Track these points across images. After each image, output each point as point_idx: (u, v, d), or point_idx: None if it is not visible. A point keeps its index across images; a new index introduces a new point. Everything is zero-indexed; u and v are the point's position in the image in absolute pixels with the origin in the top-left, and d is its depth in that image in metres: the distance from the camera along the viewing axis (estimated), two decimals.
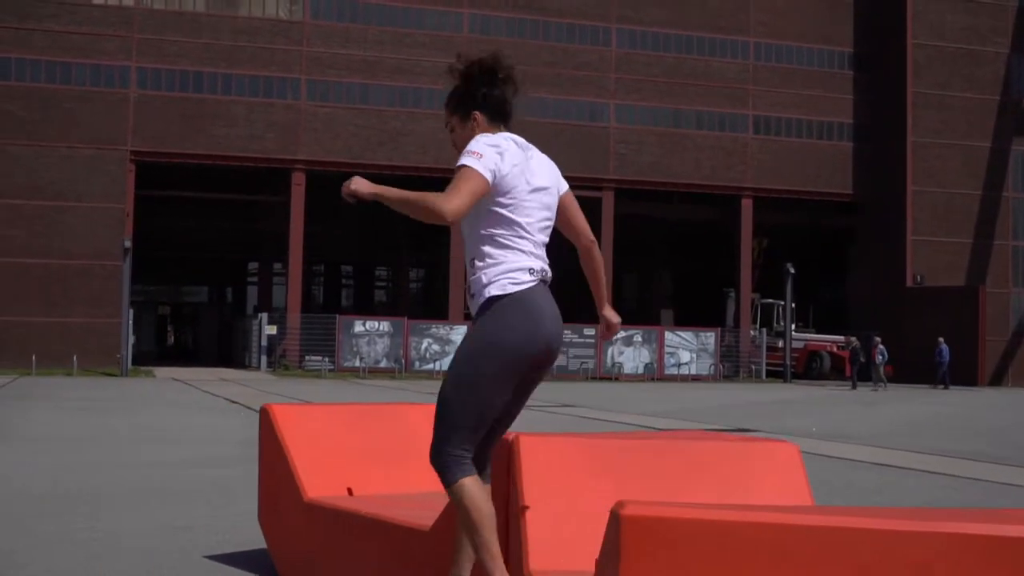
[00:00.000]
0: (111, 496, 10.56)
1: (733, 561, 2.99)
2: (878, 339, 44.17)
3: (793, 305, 52.79)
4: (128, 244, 43.11)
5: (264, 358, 46.36)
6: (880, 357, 43.10)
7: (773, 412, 26.27)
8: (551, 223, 4.56)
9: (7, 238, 44.49)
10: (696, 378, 49.11)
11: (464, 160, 4.23)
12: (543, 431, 7.45)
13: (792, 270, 49.77)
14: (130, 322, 43.95)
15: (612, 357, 48.61)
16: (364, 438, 7.35)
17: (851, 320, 53.81)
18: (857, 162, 54.42)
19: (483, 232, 4.34)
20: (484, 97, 4.51)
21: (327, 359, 44.97)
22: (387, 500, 6.58)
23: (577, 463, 5.25)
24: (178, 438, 17.01)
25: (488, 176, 4.23)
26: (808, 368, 52.27)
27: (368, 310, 61.11)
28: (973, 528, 2.87)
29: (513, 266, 4.34)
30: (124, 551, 7.89)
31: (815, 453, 15.45)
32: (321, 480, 6.88)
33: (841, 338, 50.87)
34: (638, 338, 49.37)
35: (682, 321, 54.79)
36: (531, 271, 4.34)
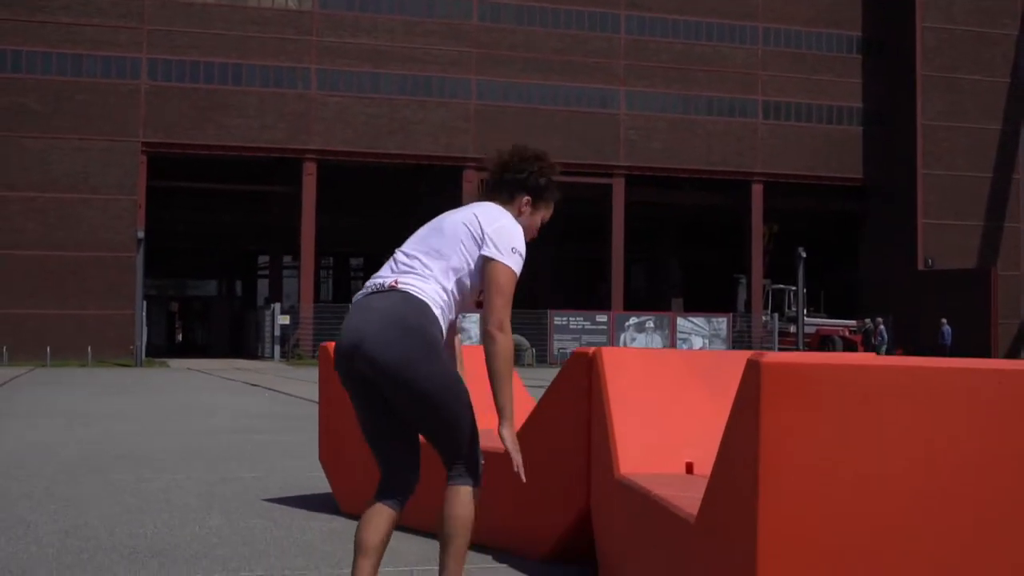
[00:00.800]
0: (162, 457, 10.65)
1: (863, 400, 3.07)
2: (879, 320, 44.12)
3: (804, 290, 52.72)
4: (141, 235, 43.17)
5: (277, 348, 46.39)
6: (879, 339, 43.01)
7: None
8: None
9: (22, 231, 44.55)
10: None
11: (512, 264, 4.17)
12: None
13: (804, 254, 49.68)
14: (144, 313, 44.00)
15: (624, 343, 48.59)
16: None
17: (862, 304, 53.73)
18: (867, 146, 54.39)
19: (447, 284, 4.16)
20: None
21: None
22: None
23: (659, 373, 5.31)
24: (212, 412, 17.10)
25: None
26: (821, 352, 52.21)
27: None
28: None
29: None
30: (181, 498, 7.96)
31: None
32: None
33: (853, 322, 50.81)
34: (650, 324, 49.37)
35: (693, 308, 54.71)
36: (371, 284, 4.20)
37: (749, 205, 53.23)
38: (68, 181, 44.98)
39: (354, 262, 73.84)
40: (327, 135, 47.49)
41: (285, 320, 46.48)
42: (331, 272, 74.54)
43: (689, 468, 4.82)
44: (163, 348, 61.66)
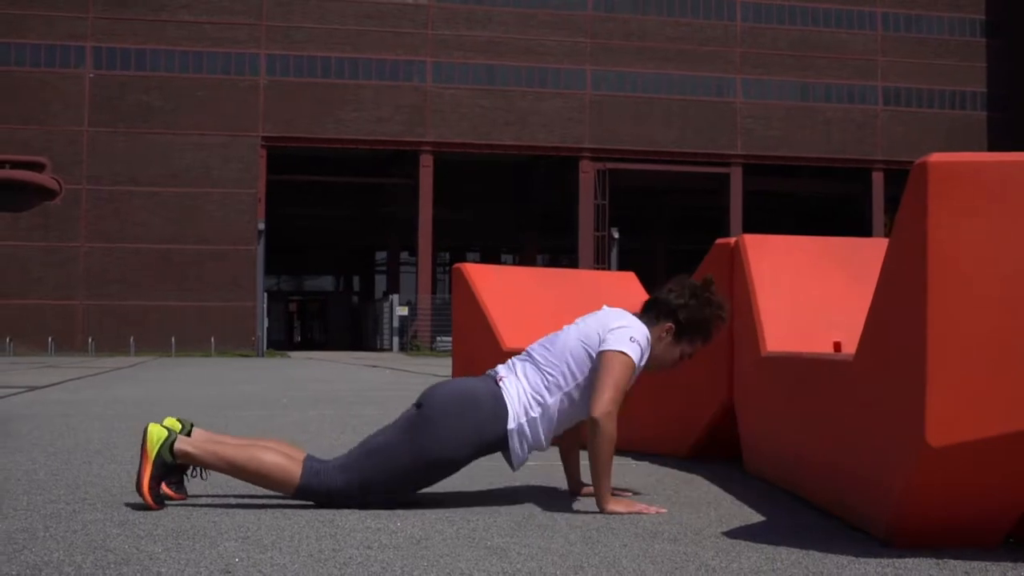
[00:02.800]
0: (288, 404, 10.74)
1: None
2: None
3: None
4: (262, 227, 43.83)
5: (396, 339, 46.78)
6: None
7: None
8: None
9: (145, 225, 45.53)
10: None
11: (627, 348, 4.06)
12: None
13: None
14: (264, 304, 44.66)
15: None
16: (557, 295, 7.34)
17: None
18: (992, 131, 53.09)
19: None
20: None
21: None
22: None
23: (800, 259, 5.18)
24: (334, 381, 17.27)
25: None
26: None
27: None
28: None
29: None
30: (318, 424, 8.01)
31: None
32: (519, 333, 6.85)
33: None
34: None
35: None
36: None
37: (870, 193, 52.31)
38: (189, 176, 45.87)
39: (470, 256, 74.15)
40: (443, 127, 47.75)
41: (404, 311, 46.86)
42: (447, 268, 74.91)
43: (837, 347, 4.68)
44: (282, 343, 62.58)
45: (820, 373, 4.00)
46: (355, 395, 12.38)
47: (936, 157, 2.99)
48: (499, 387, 4.08)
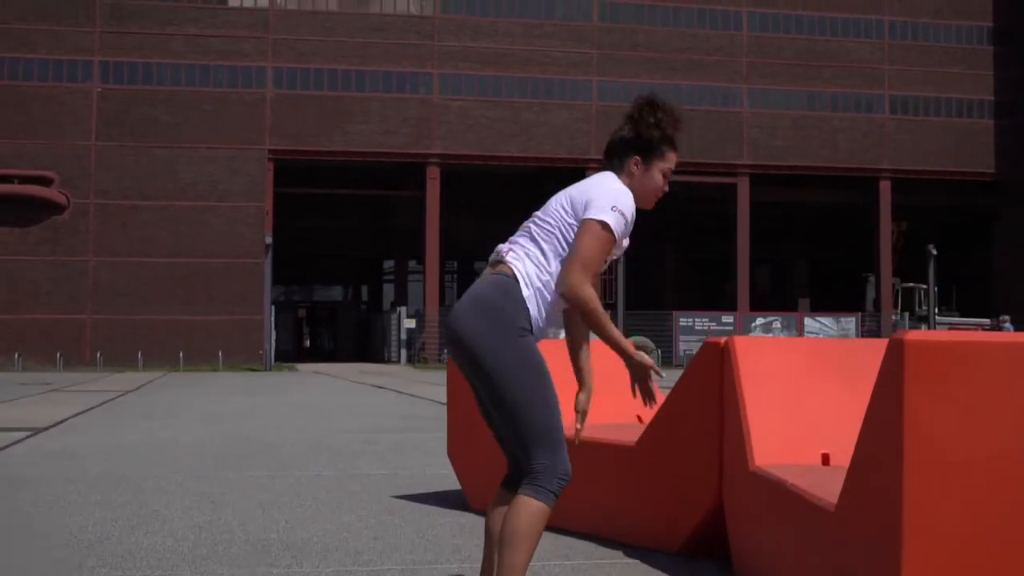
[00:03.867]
0: (291, 453, 10.76)
1: (1006, 376, 3.00)
2: (1005, 318, 42.86)
3: (936, 288, 51.58)
4: (269, 240, 43.91)
5: (404, 352, 46.84)
6: None
7: None
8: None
9: (153, 239, 45.64)
10: None
11: (612, 221, 3.98)
12: None
13: (935, 252, 48.58)
14: (272, 318, 44.73)
15: None
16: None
17: (997, 302, 52.33)
18: (1000, 140, 53.03)
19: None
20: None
21: None
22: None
23: (794, 363, 5.18)
24: (333, 412, 17.27)
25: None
26: None
27: None
28: None
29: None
30: (312, 493, 8.02)
31: None
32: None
33: (987, 321, 49.52)
34: (777, 324, 48.80)
35: (820, 308, 53.94)
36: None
37: (877, 202, 52.26)
38: (197, 189, 45.99)
39: (478, 265, 74.19)
40: (449, 139, 47.81)
41: (411, 324, 46.93)
42: (455, 276, 74.97)
43: (825, 460, 4.68)
44: (291, 353, 62.66)
45: (801, 508, 4.02)
46: (360, 439, 12.39)
47: (912, 336, 3.01)
48: (501, 274, 3.97)
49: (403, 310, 48.02)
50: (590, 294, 3.89)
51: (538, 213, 4.11)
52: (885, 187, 52.19)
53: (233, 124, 46.31)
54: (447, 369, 7.52)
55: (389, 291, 66.24)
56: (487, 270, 4.05)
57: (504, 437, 3.97)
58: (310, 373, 39.25)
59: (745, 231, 50.61)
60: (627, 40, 49.88)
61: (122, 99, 45.80)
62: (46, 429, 13.47)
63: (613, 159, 4.18)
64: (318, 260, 67.58)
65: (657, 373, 4.02)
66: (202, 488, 8.13)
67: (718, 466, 5.23)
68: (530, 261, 3.97)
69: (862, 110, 52.18)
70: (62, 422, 14.57)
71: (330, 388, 26.53)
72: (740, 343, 5.19)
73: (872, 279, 52.87)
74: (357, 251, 65.12)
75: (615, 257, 4.18)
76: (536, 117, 48.78)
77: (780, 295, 60.39)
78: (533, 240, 4.02)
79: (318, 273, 70.29)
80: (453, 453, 7.52)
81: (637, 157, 4.12)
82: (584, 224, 3.93)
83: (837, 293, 57.47)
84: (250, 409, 17.95)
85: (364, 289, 72.87)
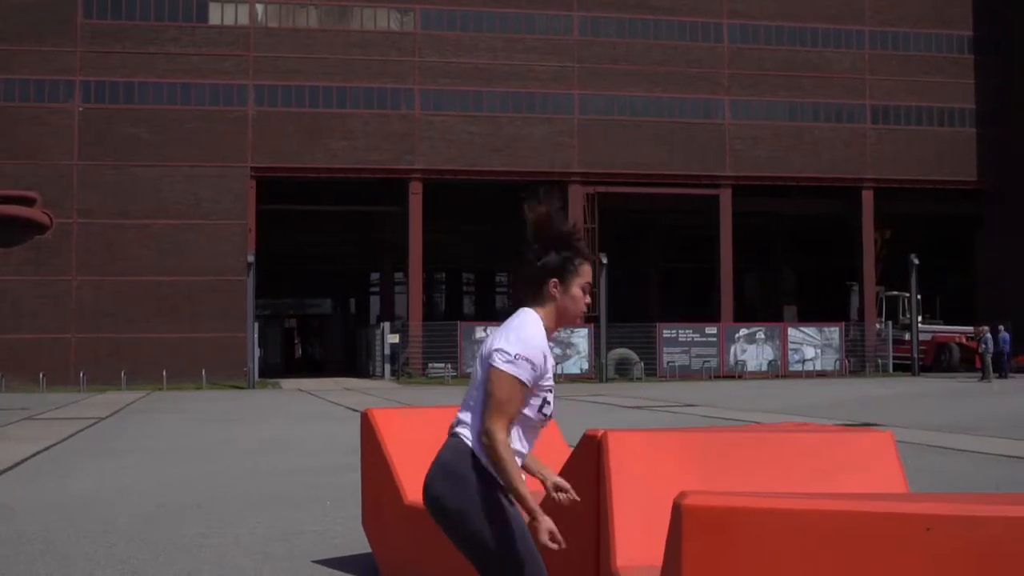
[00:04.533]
0: (235, 505, 10.82)
1: (794, 549, 3.01)
2: (984, 328, 42.93)
3: (919, 297, 51.73)
4: (251, 259, 43.94)
5: (387, 367, 46.89)
6: (983, 346, 41.76)
7: (893, 406, 25.84)
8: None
9: (137, 258, 45.70)
10: (821, 374, 48.41)
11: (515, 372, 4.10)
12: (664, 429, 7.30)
13: (916, 261, 48.75)
14: (255, 335, 44.76)
15: (735, 355, 48.18)
16: None
17: (981, 310, 52.44)
18: (982, 148, 53.12)
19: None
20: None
21: (450, 366, 45.28)
22: None
23: (666, 457, 5.26)
24: (295, 447, 17.31)
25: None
26: (937, 360, 51.13)
27: (492, 316, 61.27)
28: None
29: None
30: (233, 558, 8.08)
31: (934, 445, 15.21)
32: (420, 483, 6.93)
33: (970, 329, 49.63)
34: (761, 335, 48.85)
35: (806, 317, 54.07)
36: None
37: (860, 212, 52.32)
38: (180, 208, 46.04)
39: (465, 276, 74.27)
40: (432, 154, 47.87)
41: (394, 339, 46.96)
42: (444, 287, 75.05)
43: None
44: (280, 366, 62.67)
45: None
46: (310, 482, 12.43)
47: (690, 500, 3.08)
48: (457, 438, 4.14)
49: (387, 325, 48.02)
50: (499, 441, 3.98)
51: (473, 378, 4.25)
52: (867, 197, 52.27)
53: (215, 142, 46.38)
54: (362, 438, 7.59)
55: (377, 303, 66.33)
56: (449, 437, 4.22)
57: None
58: (293, 391, 39.29)
59: (728, 242, 50.68)
60: (608, 53, 49.96)
61: (104, 118, 45.86)
62: None
63: (531, 285, 4.28)
64: (307, 273, 67.67)
65: (555, 542, 4.07)
66: (130, 553, 8.22)
67: (595, 565, 5.31)
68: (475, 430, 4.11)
69: (843, 120, 52.27)
70: (14, 466, 14.59)
71: (303, 414, 26.57)
72: (613, 438, 5.27)
73: (856, 288, 52.97)
74: (343, 264, 65.25)
75: (544, 403, 4.21)
76: (518, 131, 48.85)
77: (767, 304, 60.52)
78: (473, 410, 4.14)
79: (307, 286, 70.33)
80: (367, 525, 7.60)
81: (554, 280, 4.24)
82: (491, 373, 4.05)
83: (824, 302, 57.57)
84: (213, 444, 18.01)
85: (352, 302, 72.96)
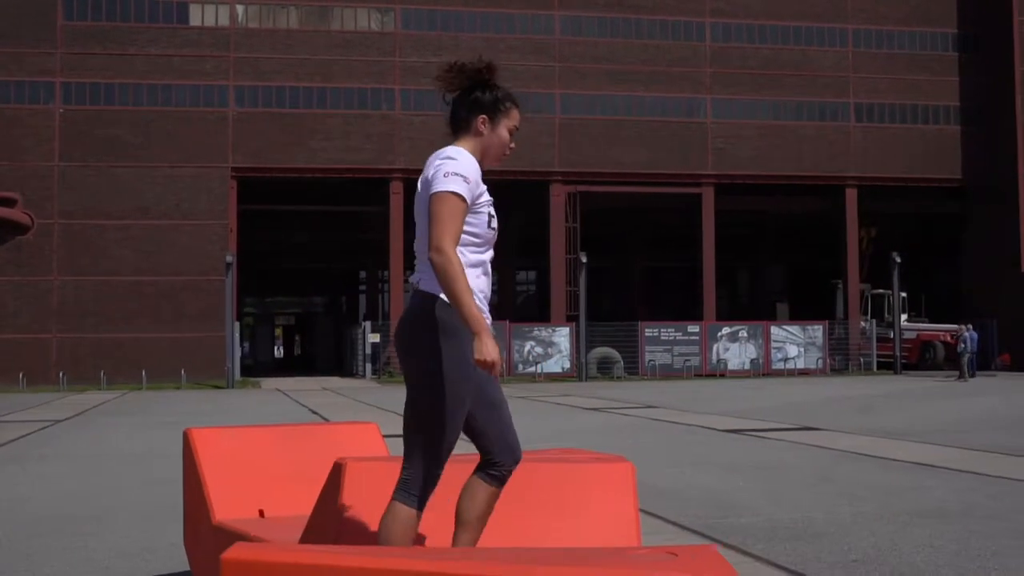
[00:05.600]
0: (121, 516, 10.80)
1: None
2: (966, 326, 42.79)
3: (904, 295, 51.69)
4: (230, 259, 44.04)
5: (369, 366, 46.99)
6: (962, 345, 41.58)
7: (850, 408, 25.83)
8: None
9: (118, 258, 45.84)
10: (804, 372, 48.41)
11: (452, 186, 4.31)
12: (602, 433, 7.27)
13: (898, 259, 48.72)
14: (236, 335, 44.88)
15: (717, 354, 48.18)
16: (284, 459, 7.44)
17: (966, 308, 52.32)
18: (966, 146, 53.01)
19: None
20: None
21: None
22: (293, 521, 6.64)
23: (249, 446, 5.46)
24: None
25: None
26: (922, 359, 51.12)
27: None
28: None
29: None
30: (71, 574, 8.09)
31: (858, 452, 15.25)
32: (233, 502, 6.97)
33: (955, 327, 49.57)
34: (743, 334, 48.85)
35: (797, 315, 54.08)
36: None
37: (844, 210, 52.24)
38: (161, 208, 46.18)
39: None
40: (412, 154, 47.88)
41: (375, 338, 47.05)
42: None
43: (261, 513, 4.87)
44: (268, 364, 62.87)
45: None
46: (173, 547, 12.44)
47: (228, 554, 3.12)
48: (418, 291, 4.36)
49: (368, 324, 48.13)
50: (448, 256, 4.15)
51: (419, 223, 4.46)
52: (851, 195, 52.19)
53: (196, 143, 46.49)
54: (184, 454, 7.61)
55: (364, 302, 66.50)
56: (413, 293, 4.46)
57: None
58: (271, 390, 39.36)
59: (711, 241, 50.66)
60: (589, 52, 49.96)
61: (84, 120, 46.01)
62: None
63: (459, 123, 4.59)
64: (299, 273, 67.84)
65: (487, 368, 4.19)
66: None
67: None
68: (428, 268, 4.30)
69: (827, 118, 52.20)
70: None
71: (263, 415, 26.58)
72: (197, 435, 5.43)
73: (841, 286, 52.94)
74: (333, 264, 65.36)
75: (490, 217, 4.43)
76: None
77: (757, 303, 60.53)
78: (422, 253, 4.37)
79: (299, 285, 70.56)
80: (187, 544, 7.62)
81: (484, 116, 4.47)
82: (432, 199, 4.28)
83: (813, 300, 57.52)
84: (144, 451, 18.04)
85: (344, 301, 73.10)
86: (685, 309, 55.50)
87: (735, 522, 9.27)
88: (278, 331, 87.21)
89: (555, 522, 5.10)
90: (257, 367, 59.67)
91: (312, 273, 68.30)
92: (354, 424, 7.88)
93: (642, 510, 6.47)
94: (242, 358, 49.11)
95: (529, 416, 22.96)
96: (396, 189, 47.80)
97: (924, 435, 17.95)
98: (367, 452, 6.86)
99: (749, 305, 61.39)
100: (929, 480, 12.46)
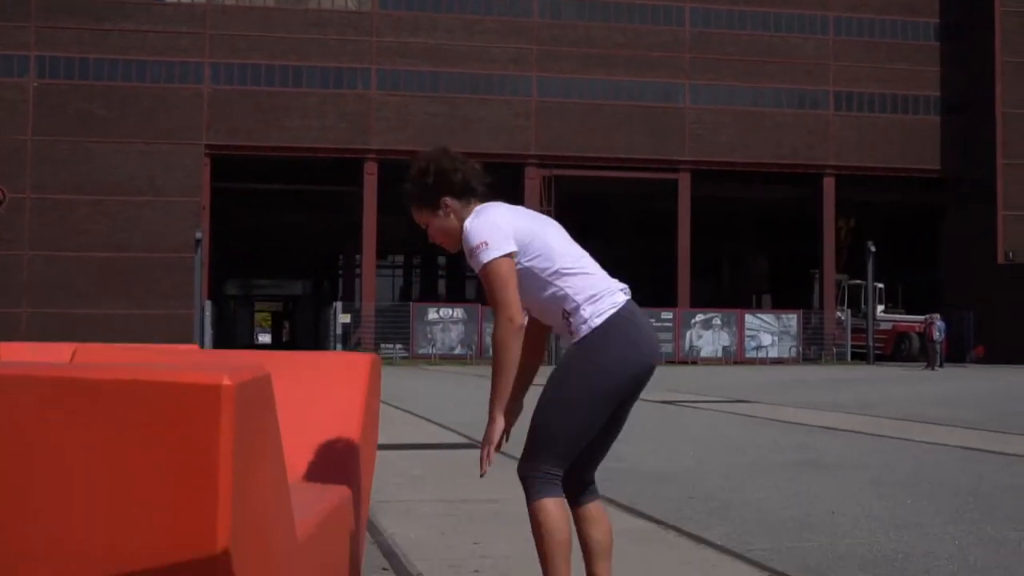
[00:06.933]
0: None
1: None
2: (935, 316, 42.66)
3: (881, 285, 51.58)
4: (199, 236, 43.94)
5: (339, 346, 46.91)
6: (938, 333, 41.45)
7: (796, 389, 25.79)
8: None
9: (90, 233, 45.75)
10: (777, 361, 48.31)
11: (481, 259, 4.00)
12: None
13: (873, 248, 48.60)
14: (206, 313, 44.81)
15: (690, 341, 48.08)
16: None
17: (943, 300, 52.14)
18: (945, 136, 52.82)
19: (552, 287, 4.14)
20: (448, 182, 4.22)
21: (400, 347, 45.30)
22: None
23: None
24: None
25: (509, 251, 4.04)
26: (897, 350, 50.99)
27: (459, 297, 61.22)
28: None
29: (602, 290, 4.16)
30: None
31: (770, 419, 15.20)
32: None
33: (923, 318, 49.41)
34: (717, 321, 48.74)
35: (778, 305, 53.99)
36: (622, 290, 4.24)
37: (821, 199, 52.10)
38: (133, 184, 46.07)
39: (443, 259, 74.15)
40: (387, 135, 47.78)
41: (346, 319, 46.97)
42: (419, 271, 74.92)
43: None
44: (250, 346, 62.73)
45: None
46: None
47: None
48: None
49: (338, 305, 48.04)
50: (502, 340, 3.96)
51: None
52: (829, 184, 52.04)
53: (170, 119, 46.36)
54: None
55: (347, 285, 66.39)
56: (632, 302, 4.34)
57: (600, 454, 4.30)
58: None
59: (686, 227, 50.56)
60: (567, 36, 49.81)
61: (58, 94, 45.89)
62: None
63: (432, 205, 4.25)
64: (281, 254, 67.71)
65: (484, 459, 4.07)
66: None
67: None
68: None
69: (806, 106, 52.03)
70: None
71: None
72: None
73: (818, 275, 52.83)
74: (314, 246, 65.26)
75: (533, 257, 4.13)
76: (475, 113, 48.74)
77: (741, 291, 60.43)
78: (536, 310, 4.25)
79: (277, 267, 70.46)
80: None
81: (448, 200, 4.20)
82: (481, 275, 4.03)
83: (793, 289, 57.40)
84: None
85: (326, 284, 73.03)
86: (664, 299, 55.40)
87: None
88: (263, 317, 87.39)
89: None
90: (238, 348, 59.52)
91: (296, 256, 68.17)
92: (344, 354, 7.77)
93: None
94: (217, 340, 48.99)
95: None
96: (371, 170, 47.68)
97: (845, 407, 17.89)
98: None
99: (732, 297, 61.27)
100: (818, 440, 12.42)
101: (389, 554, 5.85)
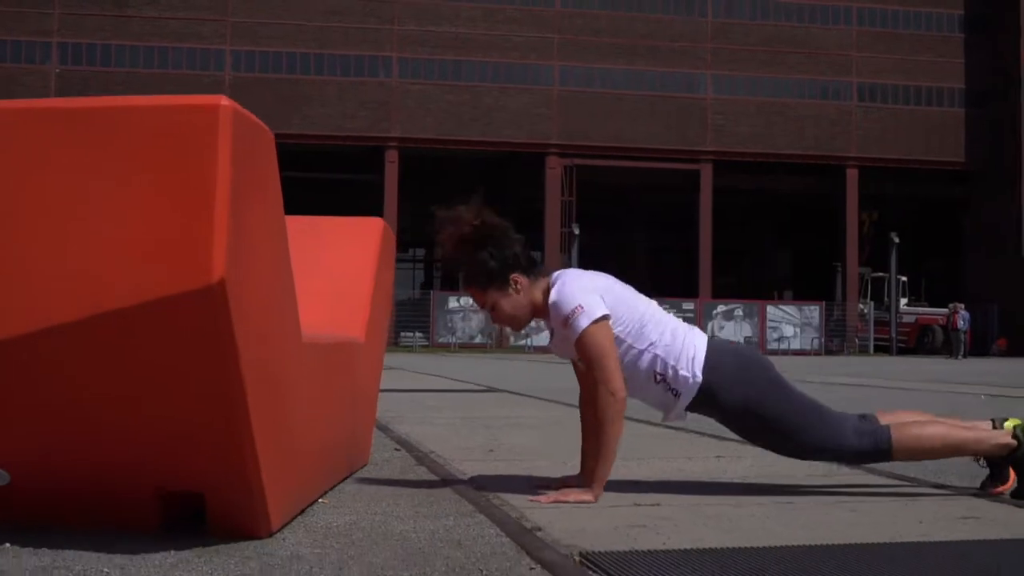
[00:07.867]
0: None
1: None
2: (960, 305, 42.31)
3: (904, 278, 51.22)
4: None
5: None
6: (962, 323, 41.10)
7: (813, 374, 25.59)
8: None
9: None
10: (799, 352, 47.97)
11: (577, 326, 3.84)
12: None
13: (896, 240, 48.25)
14: None
15: (712, 332, 47.79)
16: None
17: (967, 293, 51.76)
18: (969, 129, 52.45)
19: (647, 354, 4.02)
20: (514, 257, 4.01)
21: (420, 335, 45.19)
22: None
23: None
24: None
25: (603, 313, 3.89)
26: (920, 342, 50.59)
27: None
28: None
29: (690, 338, 4.07)
30: None
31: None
32: None
33: (945, 309, 49.03)
34: (739, 312, 48.48)
35: (800, 297, 53.64)
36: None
37: (844, 191, 51.80)
38: None
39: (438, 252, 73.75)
40: (408, 123, 47.72)
41: None
42: (421, 263, 74.50)
43: None
44: None
45: None
46: None
47: None
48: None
49: None
50: (612, 406, 3.82)
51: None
52: (852, 175, 51.74)
53: None
54: None
55: None
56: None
57: None
58: None
59: (708, 218, 50.33)
60: (589, 25, 49.65)
61: (80, 80, 45.91)
62: None
63: (500, 279, 4.02)
64: None
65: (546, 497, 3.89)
66: None
67: None
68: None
69: (829, 97, 51.74)
70: None
71: None
72: None
73: (840, 268, 52.50)
74: None
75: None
76: (496, 102, 48.63)
77: (761, 284, 60.08)
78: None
79: None
80: None
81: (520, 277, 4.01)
82: (577, 344, 3.89)
83: (816, 282, 57.04)
84: None
85: None
86: (687, 291, 55.14)
87: None
88: None
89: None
90: None
91: None
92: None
93: None
94: None
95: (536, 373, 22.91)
96: (392, 158, 47.63)
97: (832, 374, 17.71)
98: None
99: (753, 289, 60.90)
100: (866, 394, 12.24)
101: (402, 442, 5.73)
